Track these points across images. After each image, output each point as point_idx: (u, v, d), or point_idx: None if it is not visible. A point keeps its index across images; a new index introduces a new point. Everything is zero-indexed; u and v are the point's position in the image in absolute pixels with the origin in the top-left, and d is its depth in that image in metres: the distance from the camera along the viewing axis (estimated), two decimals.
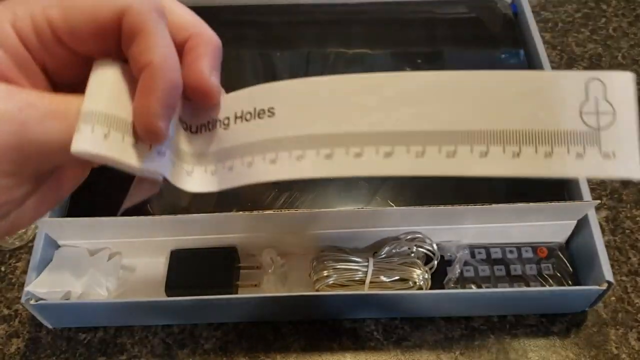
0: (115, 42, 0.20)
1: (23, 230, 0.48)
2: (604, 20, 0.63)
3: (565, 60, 0.60)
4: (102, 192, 0.47)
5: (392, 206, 0.46)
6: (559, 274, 0.44)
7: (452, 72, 0.21)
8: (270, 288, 0.44)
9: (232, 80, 0.55)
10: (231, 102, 0.22)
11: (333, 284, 0.43)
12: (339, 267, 0.43)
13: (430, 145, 0.20)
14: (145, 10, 0.20)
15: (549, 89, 0.20)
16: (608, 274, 0.41)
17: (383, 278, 0.43)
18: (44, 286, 0.42)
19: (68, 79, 0.22)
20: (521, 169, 0.20)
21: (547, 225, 0.45)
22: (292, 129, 0.21)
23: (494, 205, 0.42)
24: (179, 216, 0.42)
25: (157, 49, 0.20)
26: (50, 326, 0.44)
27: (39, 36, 0.20)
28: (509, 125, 0.20)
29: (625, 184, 0.51)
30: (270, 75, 0.55)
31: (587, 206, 0.43)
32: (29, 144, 0.19)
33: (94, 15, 0.20)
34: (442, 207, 0.42)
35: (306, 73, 0.55)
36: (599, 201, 0.42)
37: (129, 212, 0.43)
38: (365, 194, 0.47)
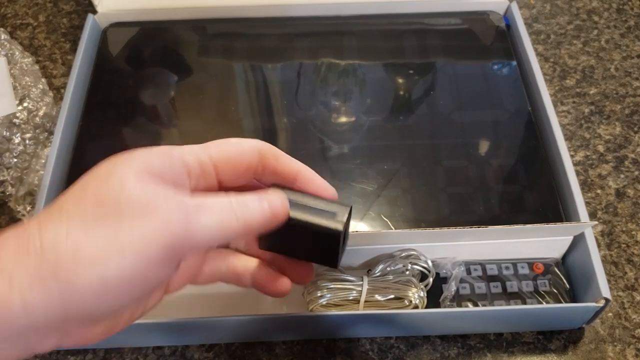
0: (249, 176, 0.30)
1: None
2: (596, 32, 0.63)
3: (558, 73, 0.60)
4: None
5: (386, 220, 0.45)
6: (555, 290, 0.44)
7: None
8: (267, 307, 0.44)
9: (225, 92, 0.55)
10: None
11: (327, 303, 0.42)
12: (332, 286, 0.42)
13: None
14: (272, 146, 0.30)
15: None
16: (605, 291, 0.40)
17: (378, 297, 0.42)
18: None
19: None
20: None
21: (543, 241, 0.44)
22: None
23: (490, 227, 0.41)
24: None
25: (296, 162, 0.30)
26: None
27: (201, 165, 0.28)
28: None
29: (620, 197, 0.51)
30: (263, 87, 0.54)
31: (584, 226, 0.42)
32: (187, 237, 0.24)
33: (242, 155, 0.29)
34: (437, 229, 0.41)
35: (298, 85, 0.54)
36: (595, 222, 0.42)
37: None
38: (360, 208, 0.46)
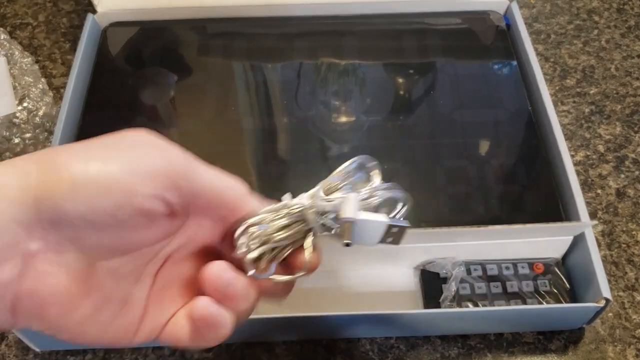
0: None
1: None
2: (596, 32, 0.63)
3: (559, 72, 0.60)
4: None
5: None
6: (555, 290, 0.44)
7: None
8: (267, 308, 0.43)
9: (225, 92, 0.55)
10: None
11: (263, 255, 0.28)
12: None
13: None
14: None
15: None
16: (605, 291, 0.40)
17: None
18: None
19: None
20: None
21: (544, 241, 0.44)
22: None
23: (490, 227, 0.41)
24: None
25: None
26: (38, 350, 0.43)
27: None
28: None
29: (621, 197, 0.51)
30: (263, 87, 0.54)
31: (584, 226, 0.42)
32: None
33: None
34: (437, 229, 0.41)
35: (298, 84, 0.54)
36: (595, 222, 0.42)
37: None
38: None
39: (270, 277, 0.27)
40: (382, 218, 0.27)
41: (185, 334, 0.26)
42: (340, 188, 0.28)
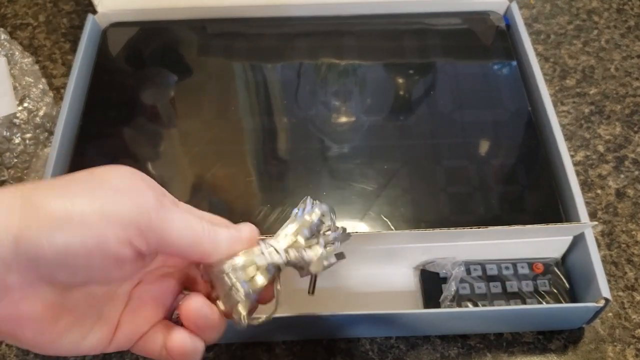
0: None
1: None
2: (596, 32, 0.63)
3: (558, 73, 0.60)
4: None
5: (386, 220, 0.45)
6: (555, 290, 0.44)
7: None
8: (266, 308, 0.43)
9: (225, 92, 0.54)
10: None
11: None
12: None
13: None
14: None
15: None
16: (605, 291, 0.40)
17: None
18: None
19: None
20: None
21: (543, 241, 0.44)
22: None
23: (490, 228, 0.41)
24: None
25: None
26: None
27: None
28: None
29: (620, 197, 0.51)
30: (263, 87, 0.54)
31: (584, 227, 0.43)
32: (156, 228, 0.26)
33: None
34: (438, 230, 0.41)
35: (298, 85, 0.54)
36: (595, 222, 0.42)
37: None
38: (360, 208, 0.46)
39: (254, 322, 0.30)
40: (333, 259, 0.31)
41: (157, 350, 0.29)
42: (310, 238, 0.31)
